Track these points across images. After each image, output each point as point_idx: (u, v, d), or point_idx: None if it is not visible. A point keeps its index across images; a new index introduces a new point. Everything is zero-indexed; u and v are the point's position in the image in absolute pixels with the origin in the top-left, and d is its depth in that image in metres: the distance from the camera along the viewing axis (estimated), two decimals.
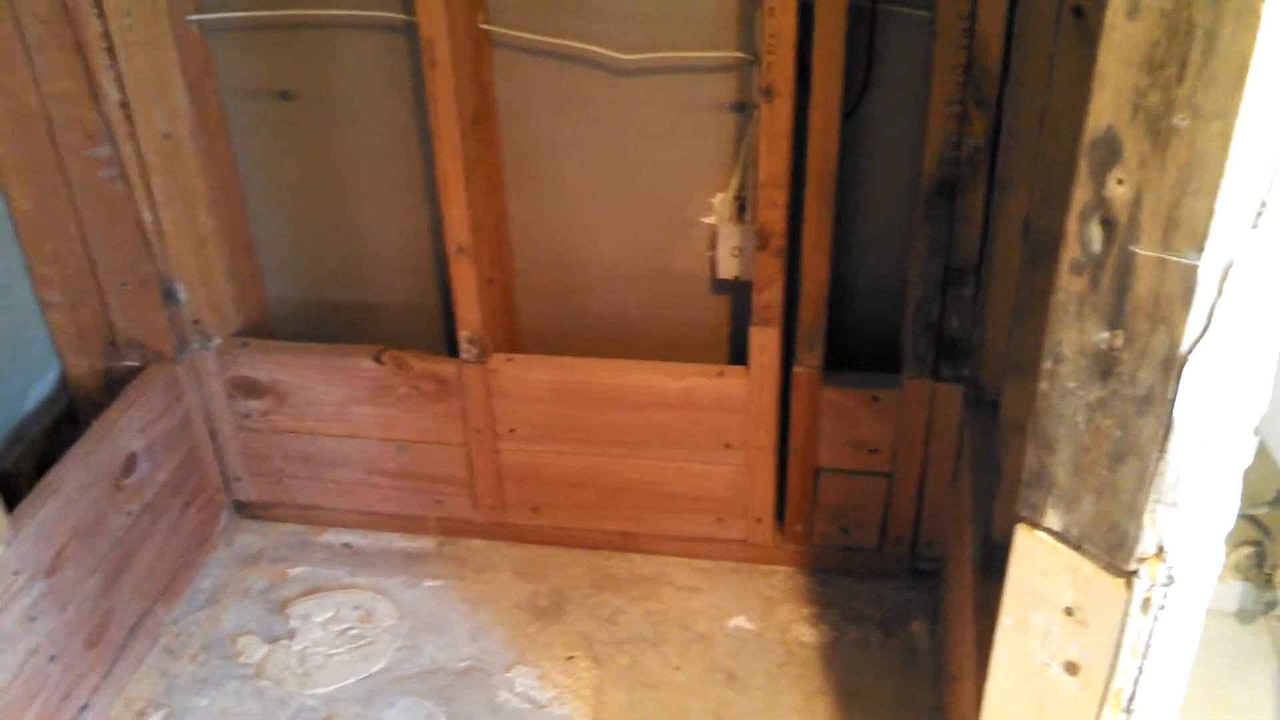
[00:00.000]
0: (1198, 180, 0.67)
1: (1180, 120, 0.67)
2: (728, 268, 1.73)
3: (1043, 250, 1.13)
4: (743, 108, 1.63)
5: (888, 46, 1.55)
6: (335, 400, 1.82)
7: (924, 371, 1.63)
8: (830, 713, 1.60)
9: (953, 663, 1.48)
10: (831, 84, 1.47)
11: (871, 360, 1.77)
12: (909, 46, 1.54)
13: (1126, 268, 0.72)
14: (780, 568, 1.84)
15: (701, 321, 1.81)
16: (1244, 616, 1.68)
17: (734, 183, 1.68)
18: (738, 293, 1.77)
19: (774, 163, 1.53)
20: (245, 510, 1.98)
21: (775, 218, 1.56)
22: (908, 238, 1.64)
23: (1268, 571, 1.64)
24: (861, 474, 1.73)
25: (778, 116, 1.50)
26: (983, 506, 1.34)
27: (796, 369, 1.67)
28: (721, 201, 1.70)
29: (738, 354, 1.81)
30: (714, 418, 1.72)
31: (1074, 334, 0.77)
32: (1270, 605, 1.66)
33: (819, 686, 1.64)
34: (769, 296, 1.61)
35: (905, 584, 1.80)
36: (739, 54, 1.59)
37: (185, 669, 1.70)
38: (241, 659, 1.72)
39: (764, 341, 1.64)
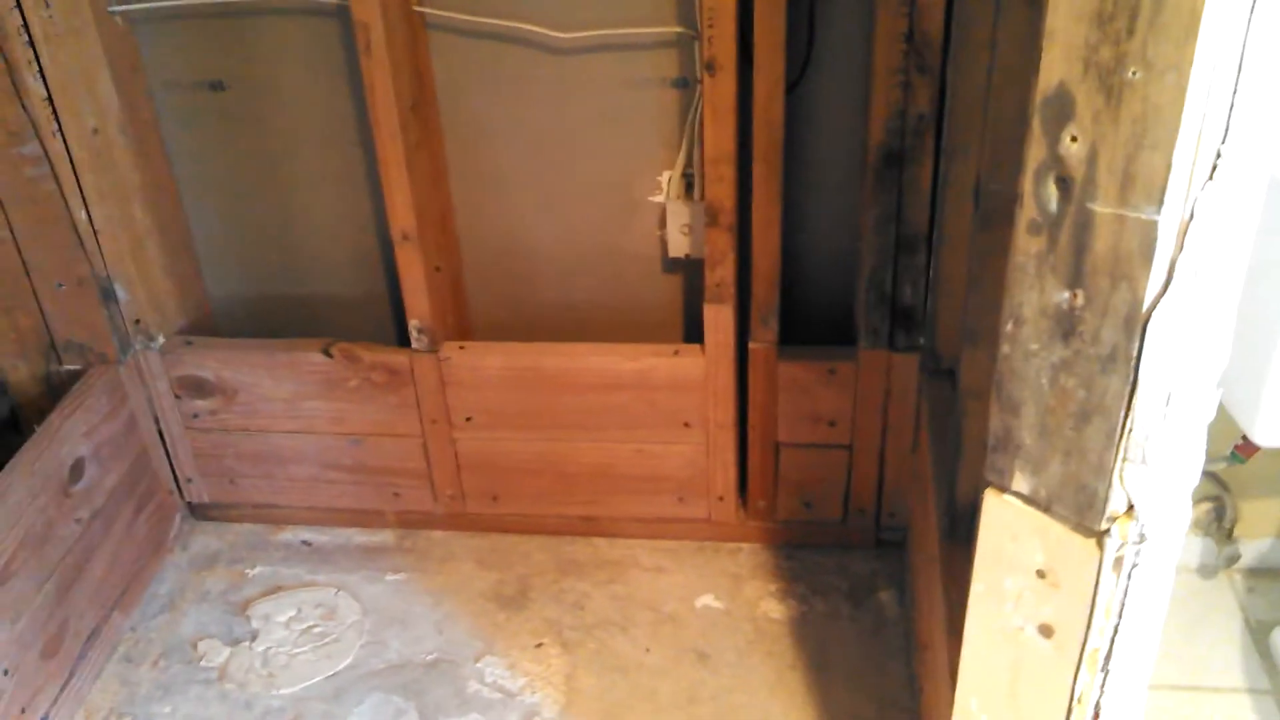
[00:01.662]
0: (1153, 134, 0.66)
1: (1133, 74, 0.66)
2: (678, 246, 1.71)
3: (994, 215, 1.13)
4: (685, 83, 1.62)
5: (829, 17, 1.53)
6: (285, 396, 1.79)
7: (879, 342, 1.63)
8: (803, 687, 1.60)
9: (923, 631, 1.48)
10: (774, 56, 1.46)
11: (826, 333, 1.76)
12: (850, 16, 1.53)
13: (1084, 226, 0.72)
14: (745, 544, 1.83)
15: (654, 301, 1.80)
16: (1205, 572, 1.70)
17: (680, 160, 1.66)
18: (689, 271, 1.76)
19: (720, 138, 1.51)
20: (199, 512, 1.94)
21: (724, 193, 1.55)
22: (857, 209, 1.63)
23: (1227, 526, 1.66)
24: (822, 447, 1.73)
25: (721, 91, 1.48)
26: (945, 474, 1.34)
27: (752, 345, 1.66)
28: (669, 179, 1.68)
29: (692, 332, 1.80)
30: (671, 397, 1.70)
31: (1034, 295, 0.77)
32: (1231, 559, 1.68)
33: (790, 661, 1.64)
34: (721, 273, 1.60)
35: (870, 554, 1.80)
36: (679, 29, 1.57)
37: (146, 676, 1.67)
38: (203, 663, 1.69)
39: (718, 319, 1.63)
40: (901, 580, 1.75)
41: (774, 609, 1.73)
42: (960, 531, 1.33)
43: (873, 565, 1.79)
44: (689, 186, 1.67)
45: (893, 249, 1.56)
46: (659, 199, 1.70)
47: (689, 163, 1.65)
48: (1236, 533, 1.69)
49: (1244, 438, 1.46)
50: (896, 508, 1.77)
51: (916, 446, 1.67)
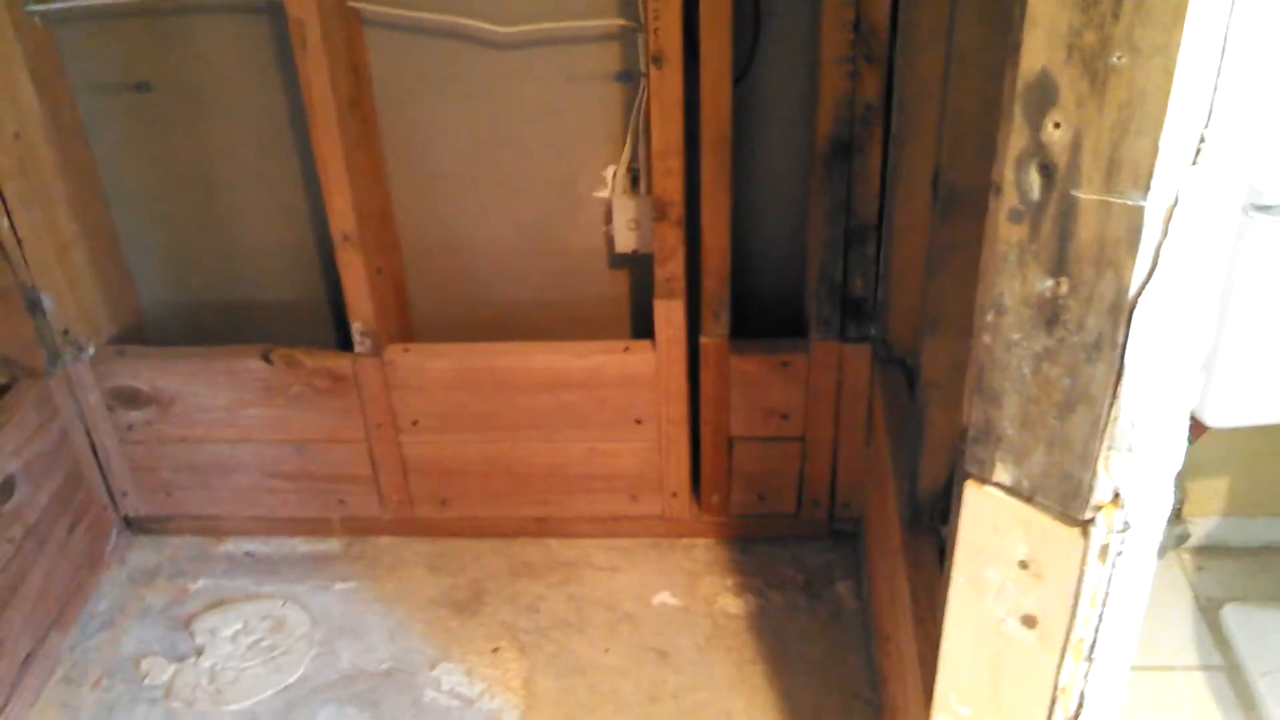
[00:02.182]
0: (1139, 119, 0.65)
1: (1118, 58, 0.65)
2: (625, 241, 1.69)
3: (955, 204, 1.12)
4: (629, 77, 1.59)
5: (774, 8, 1.52)
6: (223, 404, 1.73)
7: (830, 334, 1.62)
8: (764, 681, 1.59)
9: (885, 622, 1.48)
10: (720, 48, 1.44)
11: (776, 325, 1.75)
12: (796, 7, 1.52)
13: (1068, 213, 0.71)
14: (700, 540, 1.82)
15: (601, 298, 1.77)
16: (1156, 551, 1.72)
17: (625, 154, 1.64)
18: (636, 266, 1.74)
19: (667, 131, 1.49)
20: (136, 526, 1.88)
21: (672, 187, 1.53)
22: (805, 200, 1.62)
23: (1176, 506, 1.68)
24: (775, 440, 1.72)
25: (668, 84, 1.46)
26: (906, 464, 1.33)
27: (704, 339, 1.64)
28: (614, 174, 1.66)
29: (640, 328, 1.78)
30: (622, 394, 1.68)
31: (1016, 284, 0.76)
32: (1181, 539, 1.70)
33: (750, 656, 1.63)
34: (671, 268, 1.58)
35: (825, 546, 1.80)
36: (622, 22, 1.55)
37: (88, 697, 1.61)
38: (147, 681, 1.63)
39: (669, 314, 1.61)
40: (858, 571, 1.75)
41: (731, 604, 1.72)
42: (923, 521, 1.32)
43: (828, 557, 1.79)
44: (634, 181, 1.65)
45: (843, 240, 1.55)
46: (604, 194, 1.68)
47: (634, 157, 1.63)
48: (1185, 512, 1.71)
49: (1192, 418, 1.47)
50: (850, 498, 1.77)
51: (870, 437, 1.66)
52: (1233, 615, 1.63)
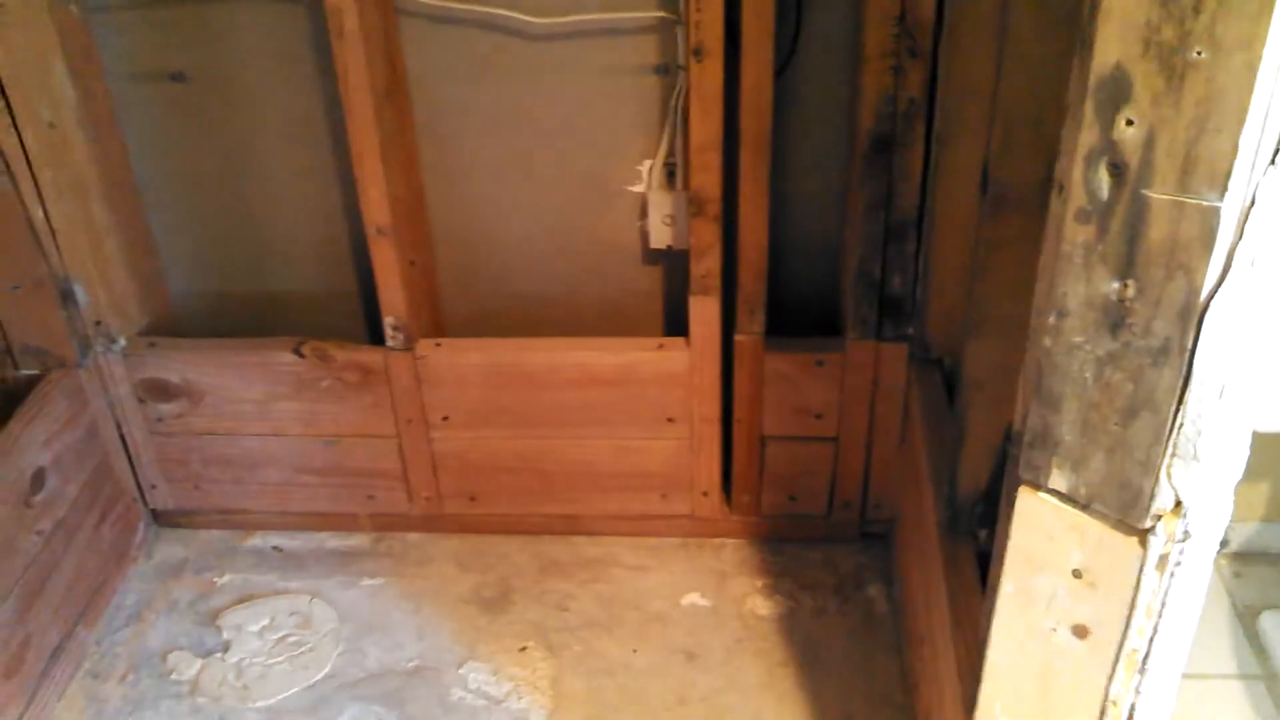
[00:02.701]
0: (1218, 117, 0.63)
1: (1198, 53, 0.63)
2: (660, 237, 1.67)
3: (1005, 200, 1.10)
4: (666, 70, 1.57)
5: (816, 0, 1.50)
6: (254, 398, 1.72)
7: (867, 332, 1.60)
8: (793, 685, 1.57)
9: (918, 625, 1.46)
10: (762, 41, 1.42)
11: (808, 323, 1.73)
12: None
13: (1139, 214, 0.69)
14: (729, 540, 1.80)
15: (634, 294, 1.76)
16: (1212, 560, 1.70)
17: (662, 148, 1.62)
18: (671, 262, 1.72)
19: (707, 125, 1.47)
20: (164, 519, 1.88)
21: (710, 182, 1.51)
22: (844, 196, 1.60)
23: None
24: (808, 440, 1.70)
25: (709, 77, 1.44)
26: (944, 466, 1.31)
27: (738, 337, 1.62)
28: (650, 168, 1.64)
29: (674, 325, 1.76)
30: (655, 392, 1.66)
31: (1080, 286, 0.73)
32: (1222, 544, 1.67)
33: (780, 659, 1.61)
34: (708, 264, 1.56)
35: (857, 548, 1.78)
36: (661, 14, 1.53)
37: (114, 692, 1.60)
38: (174, 676, 1.62)
39: (704, 311, 1.59)
40: (889, 574, 1.73)
41: (761, 606, 1.70)
42: (961, 524, 1.30)
43: (859, 559, 1.77)
44: (670, 176, 1.63)
45: (882, 236, 1.53)
46: (639, 189, 1.66)
47: (671, 151, 1.61)
48: None
49: None
50: (883, 500, 1.75)
51: (905, 438, 1.64)
52: (1271, 623, 1.60)
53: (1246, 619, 1.64)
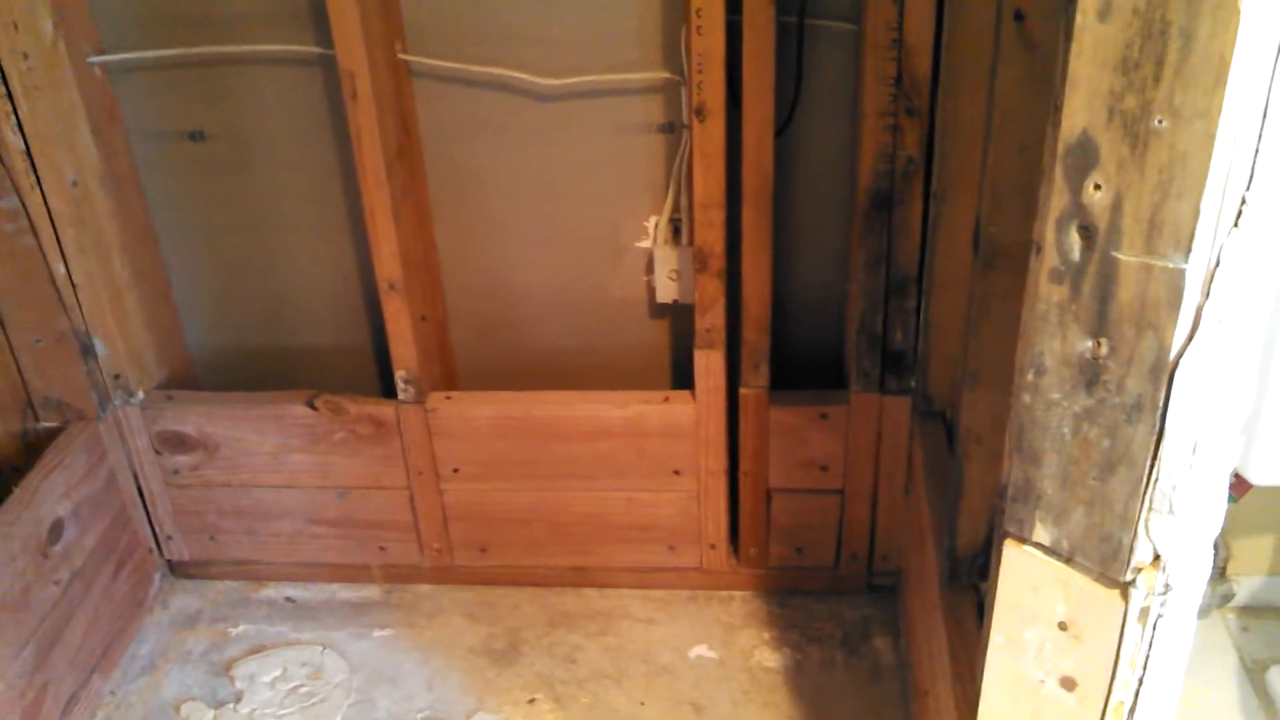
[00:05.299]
0: (1180, 182, 0.66)
1: (1159, 122, 0.65)
2: (666, 291, 1.70)
3: (995, 257, 1.12)
4: (672, 128, 1.61)
5: (816, 61, 1.54)
6: (268, 450, 1.75)
7: (870, 385, 1.62)
8: None
9: (922, 677, 1.46)
10: (763, 101, 1.46)
11: (814, 377, 1.75)
12: (837, 60, 1.53)
13: (1109, 275, 0.71)
14: (737, 592, 1.81)
15: (641, 347, 1.78)
16: (1199, 611, 1.69)
17: (668, 205, 1.65)
18: (677, 316, 1.75)
19: (710, 183, 1.50)
20: (180, 570, 1.90)
21: (714, 238, 1.54)
22: (845, 252, 1.63)
23: (1220, 565, 1.65)
24: (814, 492, 1.71)
25: (711, 135, 1.48)
26: (944, 519, 1.33)
27: (743, 390, 1.64)
28: (656, 224, 1.67)
29: (680, 378, 1.78)
30: (662, 444, 1.68)
31: (1056, 344, 0.76)
32: (1225, 598, 1.67)
33: (787, 711, 1.61)
34: (712, 318, 1.59)
35: (863, 601, 1.78)
36: (666, 74, 1.57)
37: None
38: None
39: (709, 364, 1.62)
40: (896, 626, 1.74)
41: (768, 658, 1.70)
42: (962, 576, 1.31)
43: (866, 611, 1.77)
44: (676, 232, 1.66)
45: (883, 291, 1.55)
46: (646, 244, 1.69)
47: (676, 208, 1.65)
48: (1230, 571, 1.68)
49: (1237, 475, 1.45)
50: (889, 552, 1.76)
51: (910, 490, 1.66)
52: (1279, 677, 1.60)
53: (1255, 674, 1.63)
